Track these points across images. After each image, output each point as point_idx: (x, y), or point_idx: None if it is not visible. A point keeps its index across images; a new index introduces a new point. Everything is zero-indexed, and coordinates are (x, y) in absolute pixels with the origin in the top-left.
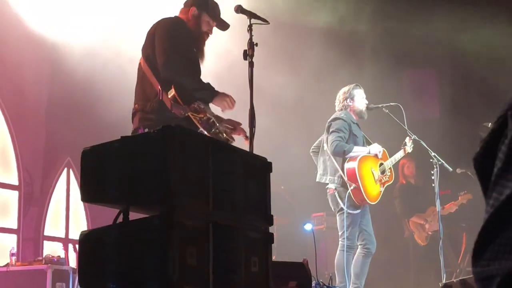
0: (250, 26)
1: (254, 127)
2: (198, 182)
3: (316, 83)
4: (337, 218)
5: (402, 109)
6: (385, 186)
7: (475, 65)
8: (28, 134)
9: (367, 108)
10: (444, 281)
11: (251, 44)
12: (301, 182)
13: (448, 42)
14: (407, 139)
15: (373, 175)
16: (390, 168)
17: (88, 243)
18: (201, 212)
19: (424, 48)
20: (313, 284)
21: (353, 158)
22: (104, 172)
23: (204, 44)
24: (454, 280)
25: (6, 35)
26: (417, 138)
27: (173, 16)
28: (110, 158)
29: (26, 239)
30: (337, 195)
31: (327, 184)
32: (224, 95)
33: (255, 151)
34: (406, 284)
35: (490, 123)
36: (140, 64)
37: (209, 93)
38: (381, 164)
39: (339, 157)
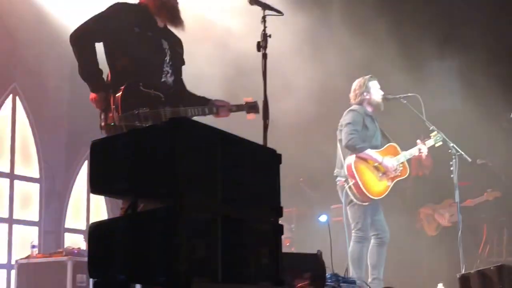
0: (263, 17)
1: (268, 118)
2: (206, 175)
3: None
4: (348, 210)
5: (421, 99)
6: (395, 180)
7: (495, 56)
8: (49, 127)
9: (385, 98)
10: (462, 272)
11: (265, 36)
12: (322, 174)
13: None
14: (433, 133)
15: (377, 170)
16: (402, 163)
17: (98, 235)
18: (209, 204)
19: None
20: (328, 275)
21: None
22: (113, 164)
23: None
24: (472, 271)
25: (26, 30)
26: (435, 129)
27: None
28: (119, 150)
29: (47, 232)
30: (347, 188)
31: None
32: None
33: (274, 143)
34: (420, 275)
35: None
36: None
37: None
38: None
39: (350, 151)
